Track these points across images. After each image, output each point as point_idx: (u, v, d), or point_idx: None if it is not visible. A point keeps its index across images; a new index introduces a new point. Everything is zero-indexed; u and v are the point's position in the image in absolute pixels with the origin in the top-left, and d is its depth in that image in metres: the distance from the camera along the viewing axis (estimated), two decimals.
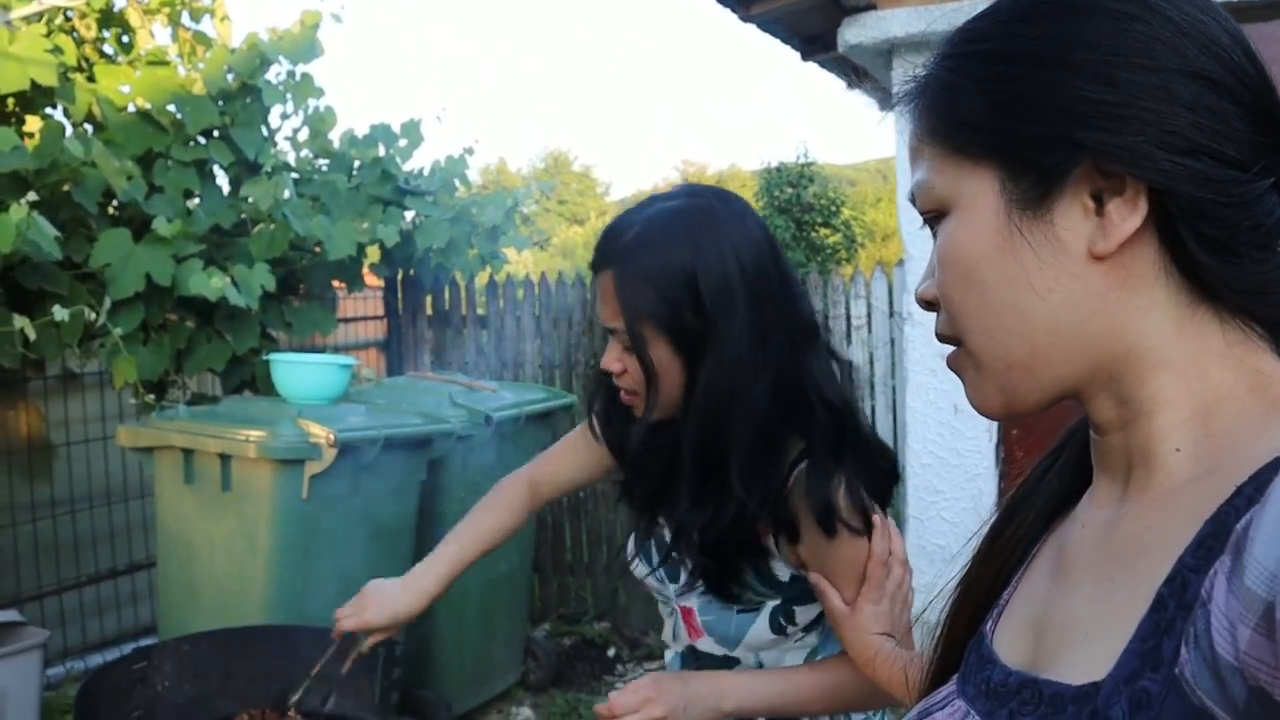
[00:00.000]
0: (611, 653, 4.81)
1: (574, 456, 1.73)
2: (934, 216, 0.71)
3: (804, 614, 1.44)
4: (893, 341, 4.59)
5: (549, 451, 1.80)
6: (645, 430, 1.36)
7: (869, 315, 4.68)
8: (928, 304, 0.73)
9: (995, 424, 3.80)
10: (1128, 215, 0.62)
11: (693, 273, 1.28)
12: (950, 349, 0.73)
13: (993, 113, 0.66)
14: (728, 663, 1.48)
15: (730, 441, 1.30)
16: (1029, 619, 0.71)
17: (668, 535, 1.47)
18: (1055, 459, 0.79)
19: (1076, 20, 0.64)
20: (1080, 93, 0.62)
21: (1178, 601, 0.56)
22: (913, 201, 0.73)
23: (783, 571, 1.41)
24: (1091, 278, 0.64)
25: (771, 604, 1.43)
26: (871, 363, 4.70)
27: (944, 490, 3.96)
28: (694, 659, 1.52)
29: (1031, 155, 0.64)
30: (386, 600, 1.78)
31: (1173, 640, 0.55)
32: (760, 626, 1.43)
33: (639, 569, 1.55)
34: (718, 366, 1.28)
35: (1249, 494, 0.56)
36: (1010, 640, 0.72)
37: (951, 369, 0.73)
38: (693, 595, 1.46)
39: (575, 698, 4.29)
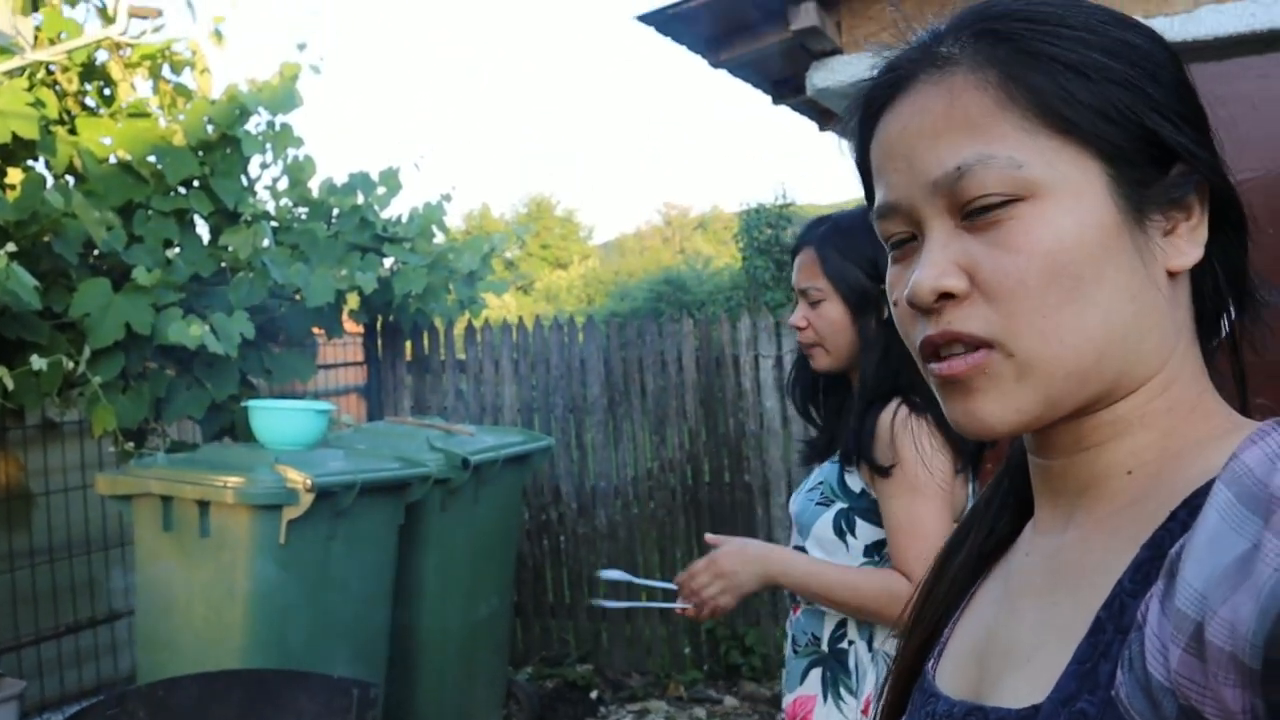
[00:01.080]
0: (594, 695, 4.80)
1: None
2: (1000, 201, 0.62)
3: (864, 529, 1.74)
4: None
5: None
6: (835, 370, 1.78)
7: None
8: (943, 297, 0.64)
9: None
10: (1196, 238, 0.64)
11: (874, 250, 1.67)
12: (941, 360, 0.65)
13: (1114, 103, 0.62)
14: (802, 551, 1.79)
15: (892, 374, 1.69)
16: (972, 649, 0.72)
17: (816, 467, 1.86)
18: (998, 488, 0.80)
19: (1146, 40, 0.65)
20: (1181, 109, 0.63)
21: (1115, 625, 0.57)
22: (949, 181, 0.63)
23: (855, 483, 1.75)
24: (1165, 292, 0.63)
25: (839, 505, 1.76)
26: None
27: None
28: None
29: (1141, 157, 0.63)
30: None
31: (1109, 663, 0.56)
32: (826, 521, 1.76)
33: (792, 502, 1.90)
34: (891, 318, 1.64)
35: (1183, 518, 0.58)
36: (953, 672, 0.73)
37: (960, 378, 0.64)
38: (799, 495, 1.84)
39: None
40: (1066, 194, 0.61)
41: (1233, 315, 0.67)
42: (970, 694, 0.68)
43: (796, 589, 1.76)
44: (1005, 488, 0.78)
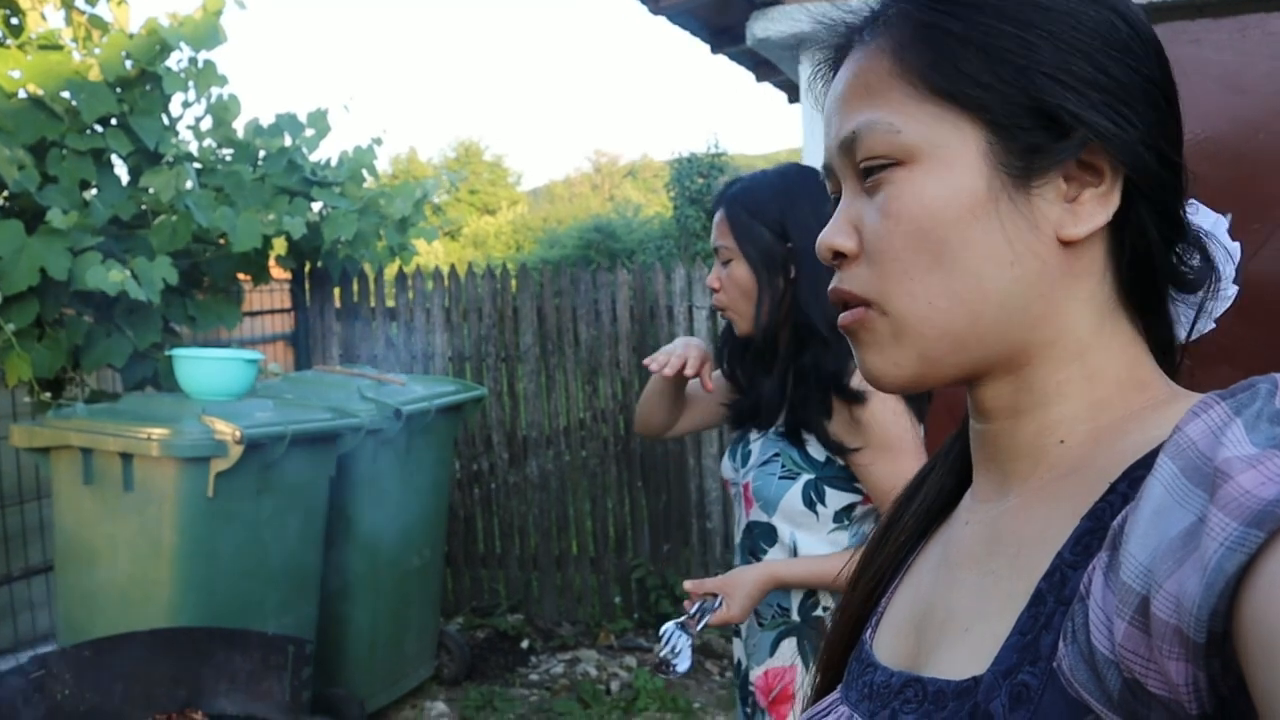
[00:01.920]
0: (525, 644, 4.81)
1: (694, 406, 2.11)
2: (882, 164, 0.64)
3: (833, 497, 1.74)
4: None
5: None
6: (756, 333, 1.78)
7: None
8: (838, 255, 0.67)
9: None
10: (1102, 206, 0.63)
11: (781, 217, 1.75)
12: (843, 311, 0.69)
13: (999, 70, 0.62)
14: (770, 530, 1.79)
15: (816, 336, 1.71)
16: (910, 619, 0.72)
17: (753, 434, 1.86)
18: (941, 458, 0.80)
19: (1080, 5, 0.63)
20: (1087, 74, 0.62)
21: (1056, 596, 0.57)
22: (847, 146, 0.66)
23: (818, 452, 1.74)
24: (1051, 260, 0.63)
25: (806, 477, 1.75)
26: None
27: None
28: (748, 534, 1.85)
29: (1030, 124, 0.62)
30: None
31: (1051, 634, 0.56)
32: (794, 494, 1.75)
33: (725, 467, 1.93)
34: (803, 277, 1.73)
35: (1122, 490, 0.58)
36: (891, 642, 0.72)
37: (846, 330, 0.68)
38: (752, 470, 1.82)
39: (489, 690, 4.29)
40: (937, 160, 0.63)
41: (1163, 287, 0.66)
42: (908, 664, 0.68)
43: (801, 582, 1.77)
44: (954, 454, 0.78)
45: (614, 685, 4.34)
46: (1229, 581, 0.42)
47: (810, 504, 1.75)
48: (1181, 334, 0.71)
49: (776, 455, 1.78)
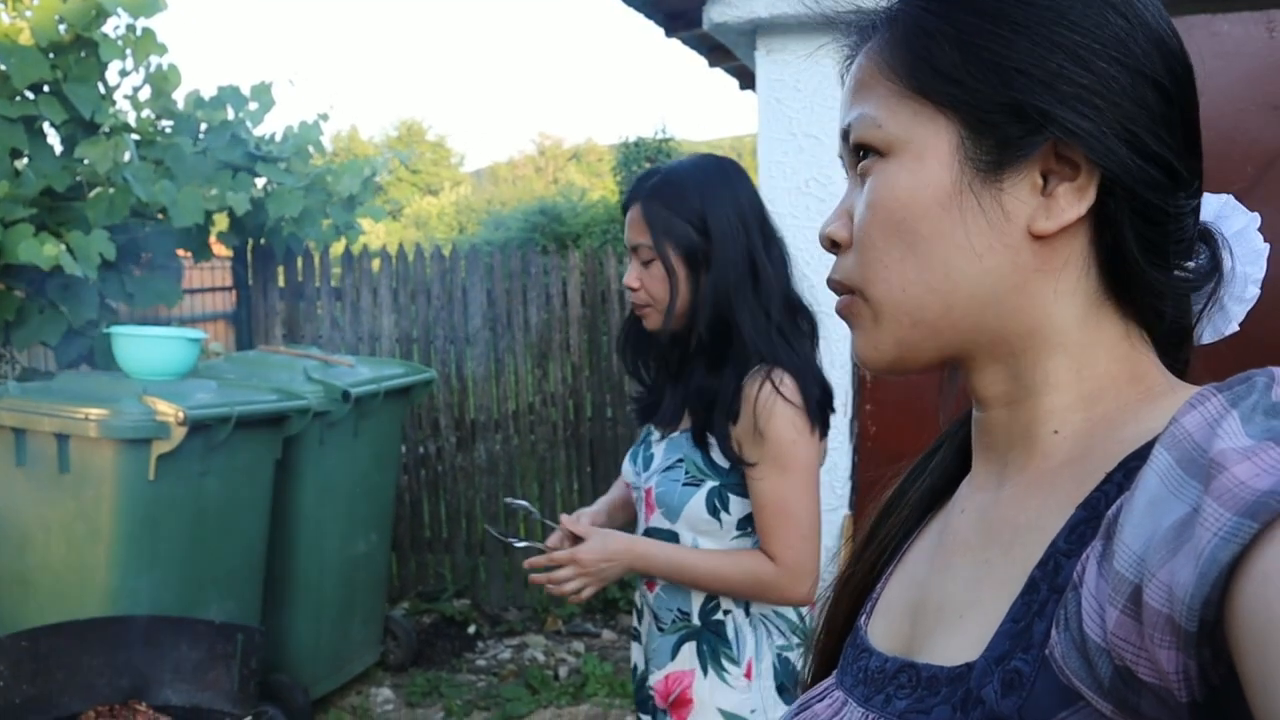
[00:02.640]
0: (472, 630, 4.76)
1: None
2: (865, 156, 0.68)
3: (736, 504, 1.69)
4: None
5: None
6: (666, 332, 1.71)
7: None
8: (833, 244, 0.70)
9: (849, 399, 3.91)
10: (1075, 201, 0.63)
11: (701, 206, 1.66)
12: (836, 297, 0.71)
13: (970, 67, 0.64)
14: (672, 537, 1.73)
15: (729, 335, 1.66)
16: (905, 605, 0.72)
17: (655, 437, 1.80)
18: (940, 446, 0.80)
19: (1063, 8, 0.63)
20: (1062, 70, 0.62)
21: (1050, 584, 0.57)
22: (844, 136, 0.70)
23: (721, 459, 1.68)
24: (1023, 253, 0.64)
25: (710, 484, 1.69)
26: None
27: None
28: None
29: (1000, 120, 0.63)
30: (583, 513, 1.92)
31: (1044, 622, 0.56)
32: (698, 501, 1.69)
33: (627, 470, 1.87)
34: (720, 275, 1.66)
35: (1118, 480, 0.58)
36: (886, 628, 0.73)
37: (842, 316, 0.71)
38: (654, 475, 1.76)
39: (436, 676, 4.23)
40: (910, 154, 0.65)
41: (1149, 285, 0.65)
42: (902, 650, 0.68)
43: (660, 578, 1.74)
44: (950, 444, 0.79)
45: (562, 671, 4.31)
46: (1222, 571, 0.43)
47: (714, 511, 1.70)
48: (1201, 332, 0.71)
49: (680, 460, 1.72)
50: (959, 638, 0.62)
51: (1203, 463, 0.46)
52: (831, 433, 4.28)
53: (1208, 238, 0.68)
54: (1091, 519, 0.57)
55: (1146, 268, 0.64)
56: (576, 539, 1.75)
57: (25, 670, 2.02)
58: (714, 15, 3.97)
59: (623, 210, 1.73)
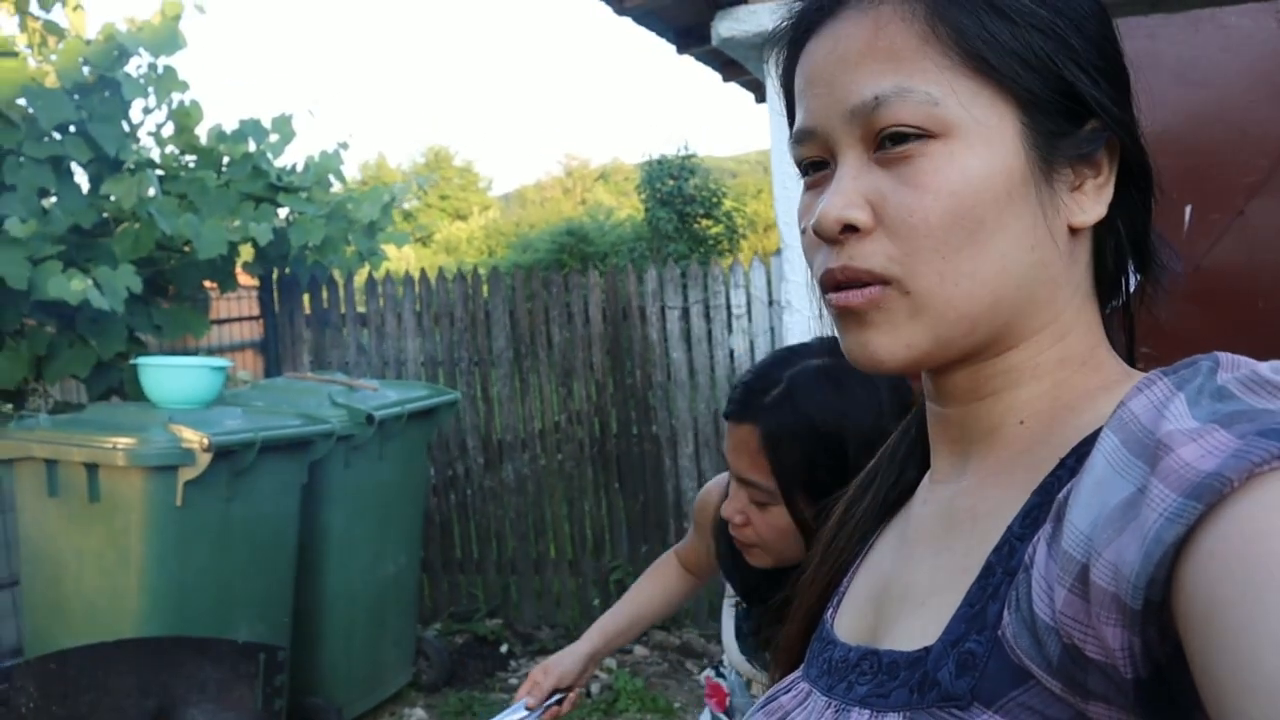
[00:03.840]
0: (504, 649, 4.78)
1: (698, 556, 1.78)
2: (912, 135, 0.61)
3: None
4: (773, 330, 4.68)
5: (675, 552, 1.86)
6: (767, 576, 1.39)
7: (749, 304, 4.75)
8: (848, 228, 0.62)
9: None
10: (1100, 197, 0.64)
11: (841, 437, 1.25)
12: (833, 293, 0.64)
13: (1037, 50, 0.61)
14: None
15: None
16: (869, 596, 0.73)
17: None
18: (900, 441, 0.80)
19: (1094, 5, 0.65)
20: (1103, 65, 0.63)
21: (1004, 568, 0.58)
22: (865, 110, 0.62)
23: None
24: (1063, 246, 0.64)
25: None
26: (752, 351, 4.77)
27: None
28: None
29: (1058, 109, 0.62)
30: (554, 665, 1.75)
31: (997, 604, 0.57)
32: None
33: (733, 652, 1.62)
34: None
35: (1071, 465, 0.59)
36: (851, 620, 0.73)
37: (854, 309, 0.63)
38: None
39: (469, 696, 4.25)
40: (978, 137, 0.60)
41: (1132, 275, 0.68)
42: (867, 639, 0.69)
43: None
44: (911, 437, 0.79)
45: (594, 687, 4.31)
46: (1167, 551, 0.43)
47: None
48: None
49: None
50: (920, 623, 0.63)
51: (1149, 444, 0.47)
52: None
53: None
54: (1045, 503, 0.58)
55: (1143, 260, 0.66)
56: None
57: (55, 691, 2.06)
58: (722, 30, 4.00)
59: (726, 417, 1.35)
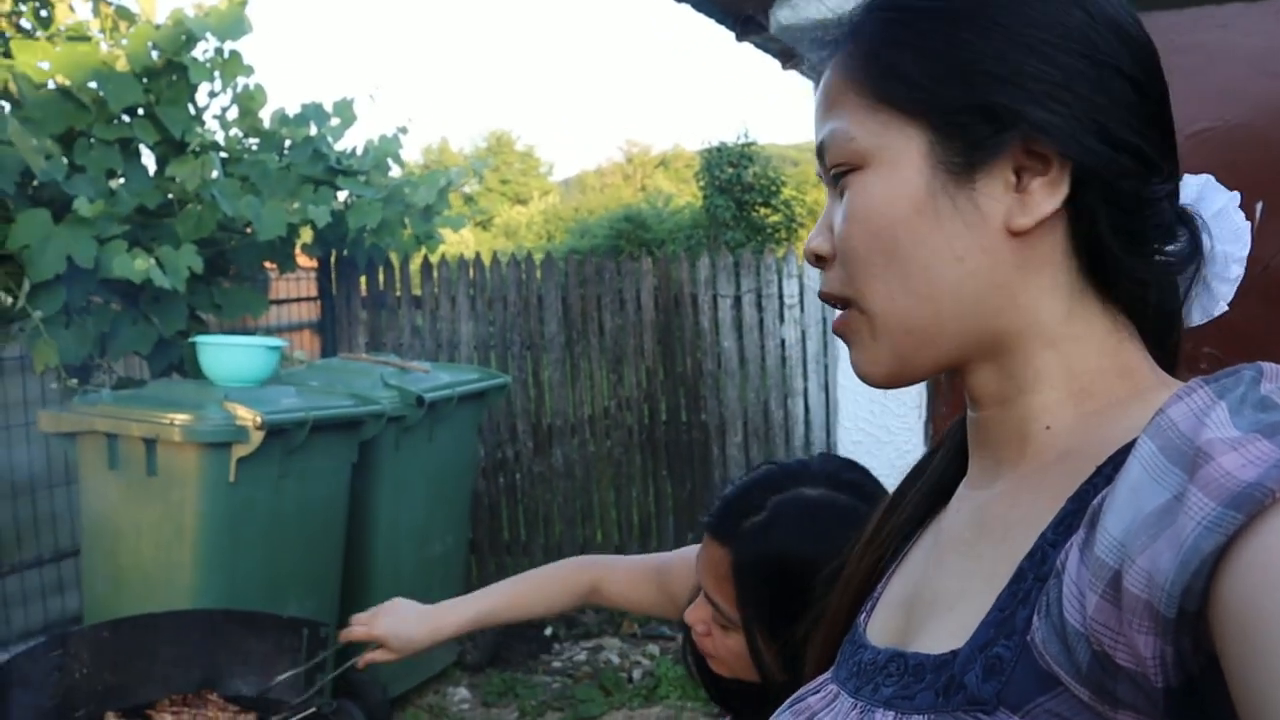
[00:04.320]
0: (549, 632, 4.83)
1: (638, 585, 1.66)
2: (844, 170, 0.67)
3: None
4: (825, 320, 4.65)
5: (614, 563, 1.72)
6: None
7: (801, 294, 4.73)
8: (818, 259, 0.70)
9: (924, 402, 3.86)
10: (1049, 195, 0.63)
11: (808, 579, 1.11)
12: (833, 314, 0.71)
13: (935, 72, 0.64)
14: None
15: None
16: (901, 601, 0.73)
17: None
18: (938, 448, 0.80)
19: (999, 11, 0.64)
20: (1026, 67, 0.62)
21: (1035, 574, 0.58)
22: (820, 153, 0.70)
23: None
24: (1003, 251, 0.64)
25: None
26: (804, 341, 4.75)
27: (875, 467, 3.97)
28: None
29: (967, 121, 0.63)
30: (400, 620, 1.72)
31: (1027, 610, 0.57)
32: None
33: None
34: None
35: (1108, 473, 0.58)
36: (882, 624, 0.73)
37: (838, 333, 0.71)
38: None
39: (512, 677, 4.30)
40: (884, 163, 0.65)
41: (1130, 273, 0.65)
42: (896, 642, 0.69)
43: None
44: (949, 446, 0.79)
45: (636, 673, 4.35)
46: (1205, 561, 0.43)
47: None
48: (1189, 315, 0.70)
49: None
50: (948, 627, 0.63)
51: (1188, 452, 0.46)
52: (906, 435, 4.13)
53: (1187, 220, 0.67)
54: (1079, 510, 0.58)
55: (1123, 256, 0.64)
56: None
57: (105, 660, 2.13)
58: (781, 18, 3.97)
59: (703, 527, 1.27)
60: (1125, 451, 0.58)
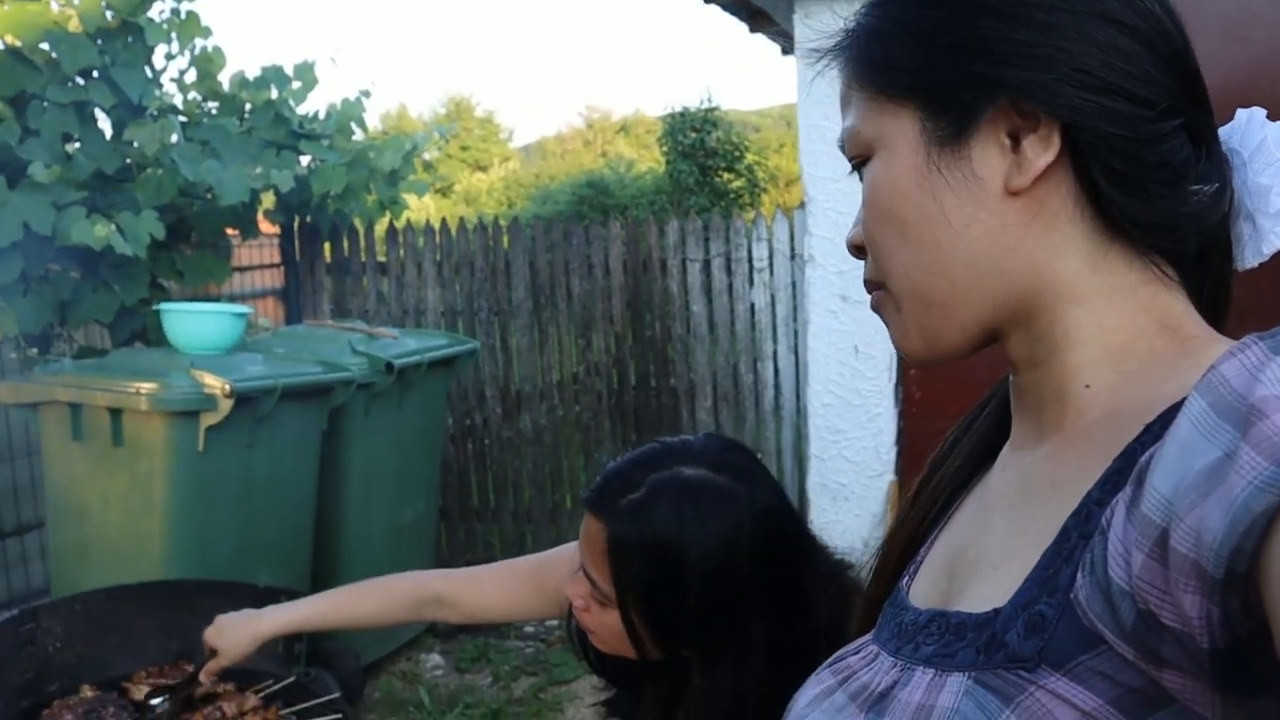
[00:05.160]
0: None
1: (510, 590, 1.58)
2: (860, 163, 0.71)
3: None
4: (794, 284, 4.65)
5: (477, 573, 1.64)
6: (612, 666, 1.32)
7: (770, 258, 4.73)
8: (856, 250, 0.74)
9: (894, 364, 3.88)
10: (1041, 151, 0.63)
11: (682, 561, 1.17)
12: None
13: (913, 53, 0.67)
14: None
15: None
16: (945, 563, 0.73)
17: None
18: (982, 410, 0.80)
19: None
20: (997, 32, 0.64)
21: (1080, 532, 0.58)
22: (843, 151, 0.73)
23: None
24: (1008, 213, 0.65)
25: None
26: (773, 305, 4.75)
27: (845, 430, 4.04)
28: None
29: (949, 93, 0.65)
30: (228, 623, 1.75)
31: (1071, 567, 0.56)
32: None
33: None
34: (710, 681, 1.20)
35: (1156, 431, 0.58)
36: (925, 586, 0.73)
37: (876, 313, 0.73)
38: None
39: (485, 643, 4.31)
40: (885, 148, 0.68)
41: (1137, 218, 0.64)
42: (939, 603, 0.69)
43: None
44: (995, 405, 0.79)
45: None
46: (1255, 521, 0.41)
47: None
48: (1241, 257, 0.68)
49: None
50: (991, 586, 0.63)
51: (1241, 409, 0.44)
52: (877, 398, 4.16)
53: (1212, 155, 0.66)
54: (1126, 469, 0.57)
55: (1125, 200, 0.63)
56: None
57: (79, 632, 2.10)
58: None
59: (585, 504, 1.26)
60: (1175, 410, 0.56)
